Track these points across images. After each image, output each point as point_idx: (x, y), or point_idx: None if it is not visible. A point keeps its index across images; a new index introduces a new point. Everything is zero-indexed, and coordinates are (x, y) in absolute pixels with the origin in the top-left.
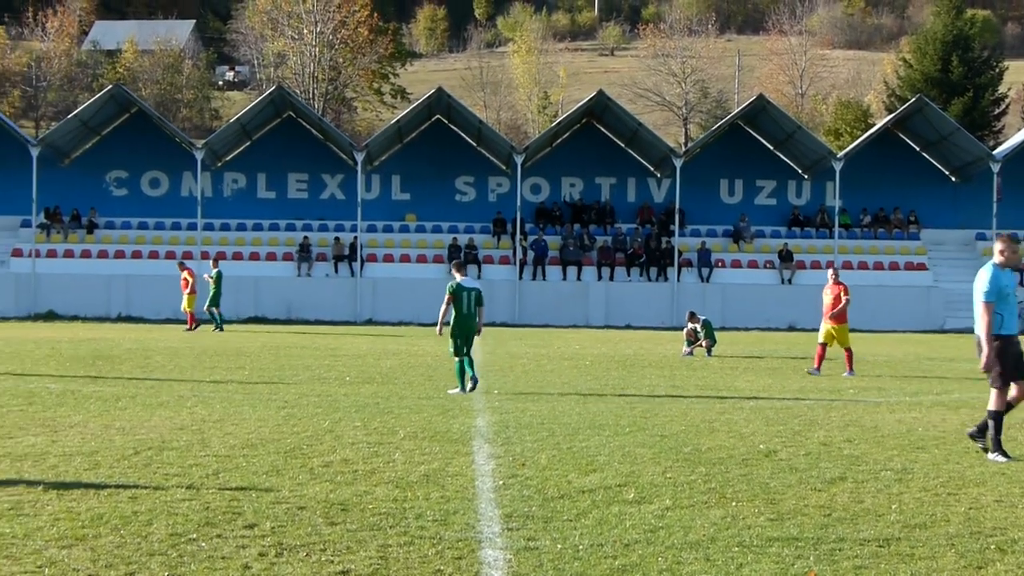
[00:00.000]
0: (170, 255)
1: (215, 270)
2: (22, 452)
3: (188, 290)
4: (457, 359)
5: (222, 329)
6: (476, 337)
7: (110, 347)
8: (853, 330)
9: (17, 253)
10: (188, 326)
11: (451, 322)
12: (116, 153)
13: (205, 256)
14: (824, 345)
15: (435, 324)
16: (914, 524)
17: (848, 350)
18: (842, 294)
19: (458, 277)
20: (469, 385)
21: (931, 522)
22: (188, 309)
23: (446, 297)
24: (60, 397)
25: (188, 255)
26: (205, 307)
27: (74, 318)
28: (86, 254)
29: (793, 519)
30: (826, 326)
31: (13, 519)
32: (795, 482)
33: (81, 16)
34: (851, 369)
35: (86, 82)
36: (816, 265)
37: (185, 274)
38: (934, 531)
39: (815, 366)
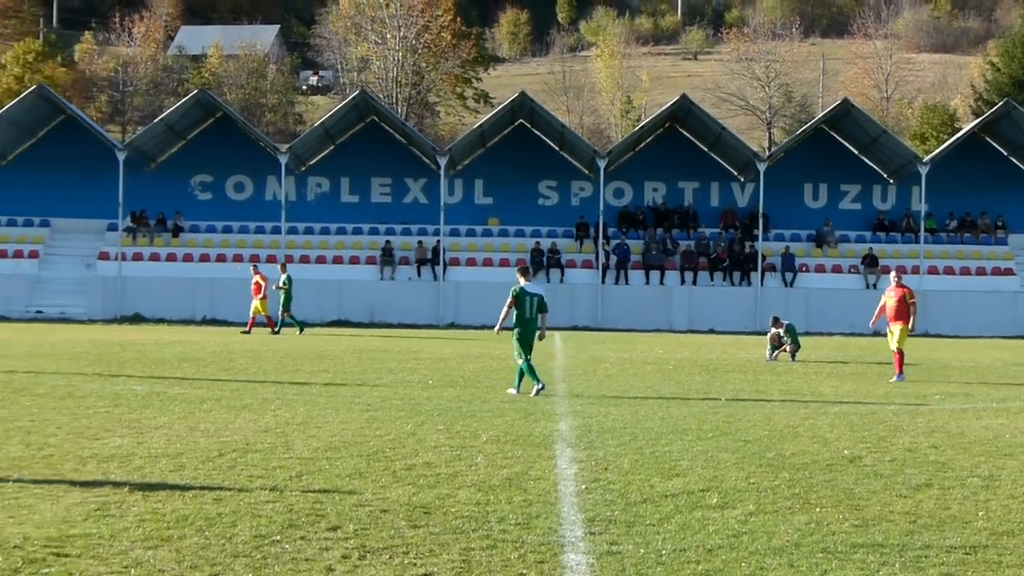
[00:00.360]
0: (254, 259)
1: (284, 275)
2: (108, 453)
3: (260, 294)
4: (522, 361)
5: (278, 332)
6: (537, 342)
7: (195, 350)
8: (938, 335)
9: (104, 256)
10: (246, 329)
11: (514, 326)
12: (201, 157)
13: (289, 260)
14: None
15: (511, 328)
16: (1002, 531)
17: (900, 352)
18: (907, 297)
19: (522, 282)
20: (535, 389)
21: (1019, 529)
22: (263, 312)
23: (508, 300)
24: (146, 399)
25: (272, 259)
26: (279, 312)
27: (159, 321)
28: (171, 258)
29: (878, 525)
30: (892, 330)
31: (100, 520)
32: (880, 488)
33: (167, 21)
34: (901, 372)
35: (172, 87)
36: (901, 270)
37: (257, 278)
38: (1022, 539)
39: (898, 372)
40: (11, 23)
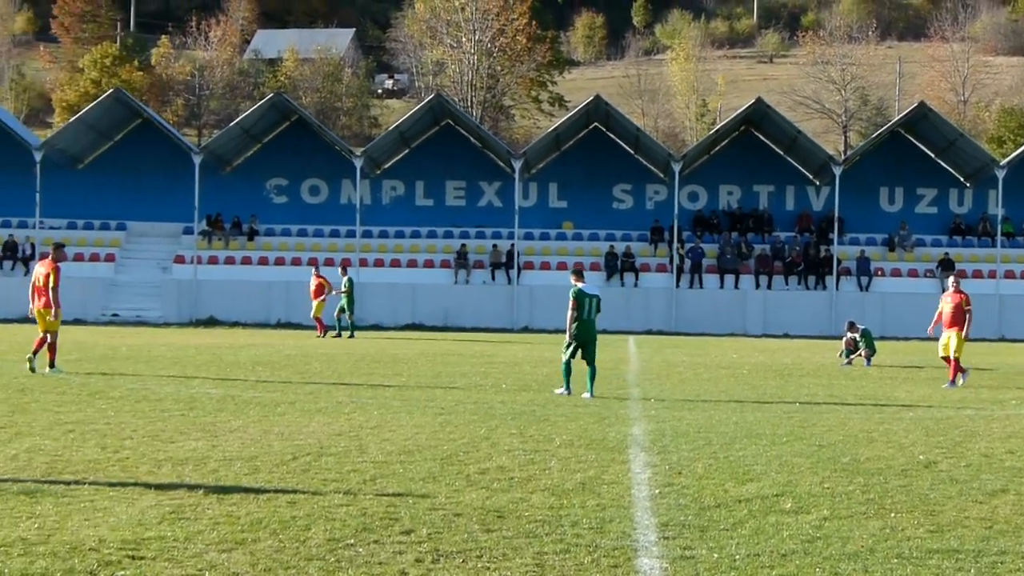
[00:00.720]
0: (329, 262)
1: (345, 278)
2: (183, 456)
3: (321, 297)
4: (565, 360)
5: (353, 335)
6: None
7: (270, 353)
8: (1015, 340)
9: (179, 260)
10: (320, 333)
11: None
12: (276, 161)
13: (364, 263)
14: (947, 357)
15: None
16: None
17: (957, 360)
18: (964, 304)
19: (579, 284)
20: (561, 391)
21: None
22: (318, 315)
23: (571, 303)
24: (220, 402)
25: (347, 263)
26: (336, 314)
27: (234, 324)
28: (246, 261)
29: (953, 531)
30: (946, 336)
31: (174, 523)
32: (955, 494)
33: (243, 25)
34: (953, 380)
35: (247, 90)
36: (978, 274)
37: (320, 280)
38: None
39: (951, 379)
40: (89, 27)
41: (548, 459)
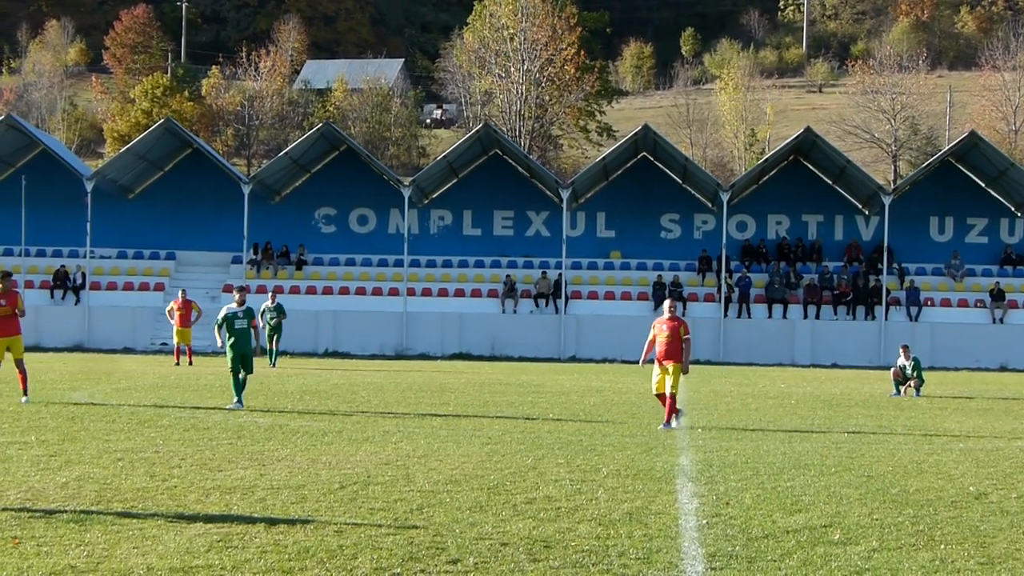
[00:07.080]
0: (377, 291)
1: (274, 304)
2: (231, 485)
3: (187, 324)
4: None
5: (274, 365)
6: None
7: (317, 382)
8: None
9: (228, 289)
10: (177, 360)
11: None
12: (325, 190)
13: (412, 293)
14: (663, 395)
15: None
16: None
17: (673, 397)
18: (681, 332)
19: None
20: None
21: None
22: (186, 342)
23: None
24: (268, 431)
25: (395, 292)
26: (267, 343)
27: (282, 353)
28: (295, 290)
29: (1004, 563)
30: (661, 370)
31: (222, 551)
32: (1006, 526)
33: (293, 56)
34: (668, 421)
35: (297, 120)
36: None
37: (173, 306)
38: None
39: (666, 419)
40: (140, 58)
41: (595, 489)
